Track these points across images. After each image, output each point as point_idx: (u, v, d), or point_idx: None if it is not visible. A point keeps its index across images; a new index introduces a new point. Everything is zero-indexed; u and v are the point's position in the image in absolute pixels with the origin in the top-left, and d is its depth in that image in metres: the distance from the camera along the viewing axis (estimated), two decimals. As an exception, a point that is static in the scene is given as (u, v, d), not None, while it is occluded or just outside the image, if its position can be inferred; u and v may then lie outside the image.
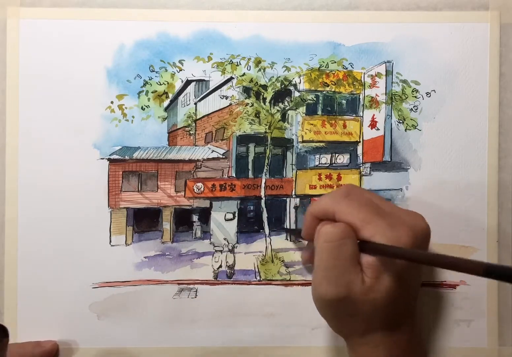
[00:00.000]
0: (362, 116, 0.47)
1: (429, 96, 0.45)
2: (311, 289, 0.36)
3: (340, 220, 0.35)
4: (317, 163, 0.47)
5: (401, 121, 0.46)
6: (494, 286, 0.45)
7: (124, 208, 0.45)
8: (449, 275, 0.45)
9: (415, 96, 0.45)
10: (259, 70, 0.45)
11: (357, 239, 0.34)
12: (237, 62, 0.45)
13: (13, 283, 0.44)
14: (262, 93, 0.46)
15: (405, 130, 0.46)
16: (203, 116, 0.47)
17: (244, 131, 0.46)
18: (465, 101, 0.45)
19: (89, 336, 0.45)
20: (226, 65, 0.45)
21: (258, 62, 0.45)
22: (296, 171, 0.46)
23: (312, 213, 0.37)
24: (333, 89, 0.46)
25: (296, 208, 0.47)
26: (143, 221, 0.46)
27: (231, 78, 0.46)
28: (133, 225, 0.46)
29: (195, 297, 0.45)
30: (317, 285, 0.35)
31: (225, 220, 0.46)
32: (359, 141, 0.47)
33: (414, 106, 0.46)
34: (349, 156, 0.47)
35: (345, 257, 0.33)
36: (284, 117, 0.46)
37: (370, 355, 0.35)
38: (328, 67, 0.46)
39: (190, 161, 0.46)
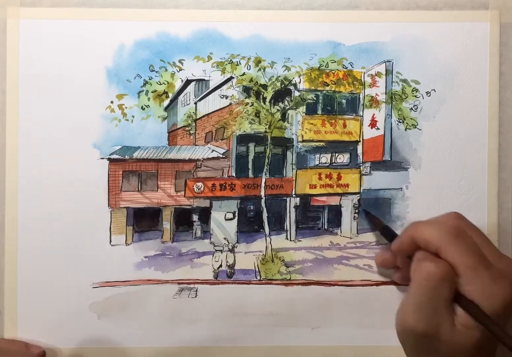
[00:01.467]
0: (362, 116, 0.47)
1: (429, 96, 0.45)
2: (397, 318, 0.36)
3: (444, 259, 0.34)
4: (317, 162, 0.47)
5: (401, 121, 0.46)
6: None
7: (124, 207, 0.45)
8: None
9: (415, 96, 0.45)
10: (259, 69, 0.45)
11: (455, 283, 0.34)
12: (237, 61, 0.45)
13: (13, 282, 0.44)
14: (262, 93, 0.46)
15: (405, 129, 0.46)
16: (203, 116, 0.47)
17: (244, 131, 0.46)
18: (465, 101, 0.45)
19: (89, 336, 0.45)
20: (226, 64, 0.45)
21: (258, 61, 0.45)
22: (296, 171, 0.46)
23: (413, 237, 0.36)
24: (333, 89, 0.46)
25: (296, 207, 0.47)
26: (143, 221, 0.46)
27: (231, 77, 0.46)
28: (133, 224, 0.46)
29: (195, 297, 0.45)
30: (406, 317, 0.35)
31: (225, 219, 0.46)
32: (359, 141, 0.47)
33: (414, 106, 0.46)
34: (349, 155, 0.47)
35: (441, 298, 0.33)
36: (284, 117, 0.46)
37: None
38: (328, 67, 0.46)
39: (190, 161, 0.46)
